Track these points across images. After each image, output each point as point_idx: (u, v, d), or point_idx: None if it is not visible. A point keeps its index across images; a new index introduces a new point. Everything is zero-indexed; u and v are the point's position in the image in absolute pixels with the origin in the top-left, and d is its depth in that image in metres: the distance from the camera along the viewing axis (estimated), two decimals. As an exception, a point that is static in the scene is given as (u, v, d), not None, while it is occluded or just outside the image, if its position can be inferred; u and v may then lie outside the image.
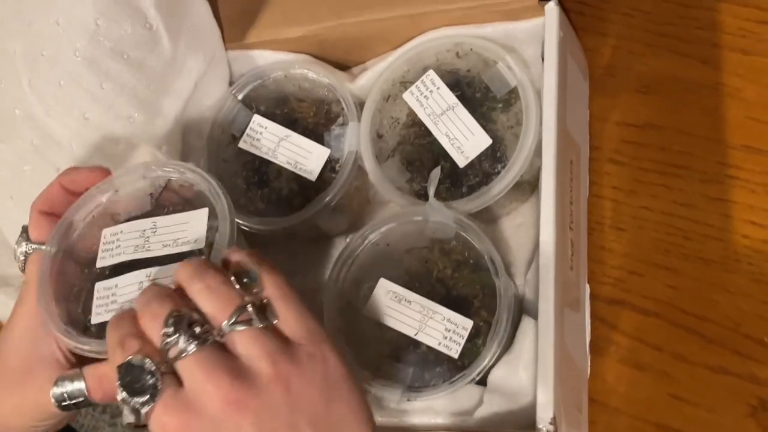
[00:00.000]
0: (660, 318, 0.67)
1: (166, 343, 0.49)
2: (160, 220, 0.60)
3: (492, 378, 0.63)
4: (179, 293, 0.52)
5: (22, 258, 0.62)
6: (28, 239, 0.62)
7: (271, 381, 0.49)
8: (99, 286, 0.58)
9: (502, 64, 0.67)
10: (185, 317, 0.50)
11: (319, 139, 0.72)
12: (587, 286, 0.69)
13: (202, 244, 0.58)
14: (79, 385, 0.55)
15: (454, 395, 0.62)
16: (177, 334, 0.49)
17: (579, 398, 0.66)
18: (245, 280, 0.52)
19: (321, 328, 0.53)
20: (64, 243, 0.61)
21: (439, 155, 0.68)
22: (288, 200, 0.72)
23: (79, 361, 0.57)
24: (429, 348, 0.64)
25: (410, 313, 0.65)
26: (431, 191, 0.65)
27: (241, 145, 0.73)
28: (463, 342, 0.63)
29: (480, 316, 0.64)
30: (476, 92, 0.68)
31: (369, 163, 0.69)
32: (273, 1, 0.76)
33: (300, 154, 0.72)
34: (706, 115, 0.70)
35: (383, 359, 0.65)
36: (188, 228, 0.59)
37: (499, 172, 0.66)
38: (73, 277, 0.61)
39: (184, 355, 0.49)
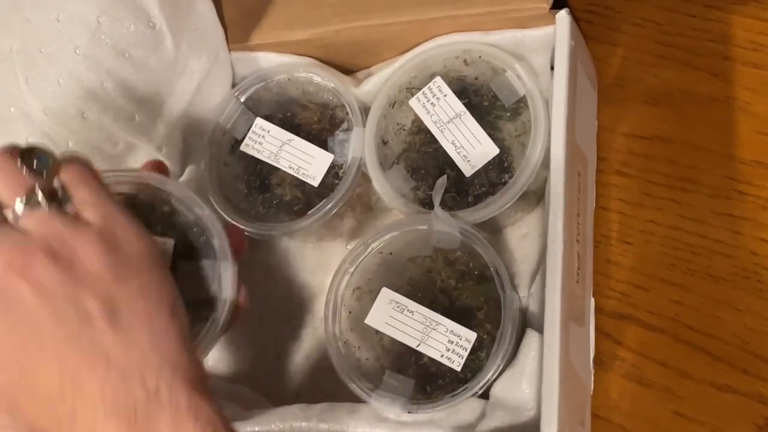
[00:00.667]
0: (665, 334, 0.66)
1: None
2: None
3: (495, 391, 0.62)
4: None
5: None
6: None
7: (56, 255, 0.49)
8: None
9: (510, 73, 0.66)
10: None
11: (323, 144, 0.71)
12: (592, 300, 0.68)
13: None
14: None
15: (455, 408, 0.61)
16: None
17: (582, 414, 0.65)
18: (36, 162, 0.52)
19: (120, 212, 0.52)
20: None
21: (445, 163, 0.67)
22: (289, 206, 0.71)
23: None
24: (431, 360, 0.63)
25: (413, 323, 0.63)
26: (437, 200, 0.63)
27: (243, 148, 0.72)
28: (466, 354, 0.62)
29: (483, 328, 0.63)
30: (484, 100, 0.67)
31: (373, 170, 0.68)
32: (278, 3, 0.75)
33: (303, 159, 0.71)
34: (715, 129, 0.69)
35: (384, 370, 0.63)
36: None
37: (505, 182, 0.65)
38: None
39: None
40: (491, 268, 0.63)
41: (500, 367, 0.61)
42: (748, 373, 0.63)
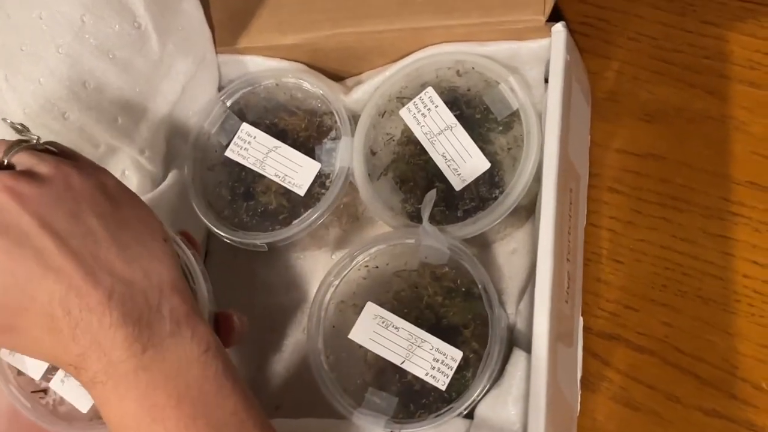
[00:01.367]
0: (654, 356, 0.65)
1: None
2: None
3: (480, 411, 0.60)
4: None
5: None
6: None
7: (53, 176, 0.50)
8: None
9: (504, 86, 0.65)
10: None
11: (310, 152, 0.69)
12: (581, 319, 0.67)
13: None
14: None
15: (439, 428, 0.60)
16: None
17: (568, 436, 0.64)
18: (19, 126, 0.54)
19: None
20: None
21: (435, 176, 0.66)
22: (274, 214, 0.69)
23: None
24: (415, 378, 0.61)
25: (397, 340, 0.62)
26: (425, 215, 0.62)
27: (228, 153, 0.70)
28: (451, 373, 0.61)
29: (470, 347, 0.61)
30: (476, 113, 0.66)
31: (361, 181, 0.67)
32: (267, 6, 0.73)
33: (289, 167, 0.69)
34: (710, 148, 0.68)
35: (367, 387, 0.62)
36: None
37: (496, 198, 0.64)
38: None
39: None
40: (479, 286, 0.61)
41: (486, 388, 0.60)
42: (737, 399, 0.62)
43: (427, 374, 0.61)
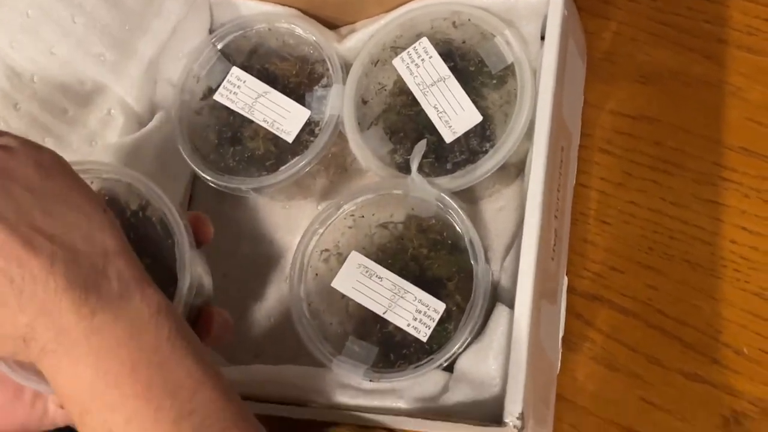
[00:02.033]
0: (638, 318, 0.64)
1: None
2: None
3: (460, 365, 0.60)
4: None
5: None
6: None
7: None
8: None
9: (500, 39, 0.64)
10: None
11: (300, 99, 0.68)
12: (565, 279, 0.66)
13: None
14: None
15: (418, 380, 0.59)
16: None
17: (547, 393, 0.63)
18: None
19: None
20: None
21: (425, 128, 0.65)
22: (261, 160, 0.68)
23: None
24: (397, 328, 0.60)
25: (380, 290, 0.61)
26: (414, 165, 0.61)
27: (217, 97, 0.69)
28: (433, 325, 0.60)
29: (453, 299, 0.61)
30: (470, 65, 0.65)
31: (350, 130, 0.66)
32: (263, -51, 0.72)
33: (278, 113, 0.68)
34: (705, 113, 0.67)
35: (348, 335, 0.61)
36: None
37: (486, 151, 0.63)
38: None
39: None
40: (465, 239, 0.61)
41: (467, 341, 0.59)
42: (719, 364, 0.62)
43: (408, 325, 0.60)
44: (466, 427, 0.58)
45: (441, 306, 0.60)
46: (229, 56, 0.71)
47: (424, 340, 0.60)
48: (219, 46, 0.71)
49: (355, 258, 0.62)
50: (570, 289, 0.66)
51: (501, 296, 0.63)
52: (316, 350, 0.61)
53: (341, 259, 0.63)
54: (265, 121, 0.68)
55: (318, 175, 0.71)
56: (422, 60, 0.65)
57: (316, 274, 0.64)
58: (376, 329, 0.61)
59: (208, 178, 0.68)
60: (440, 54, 0.65)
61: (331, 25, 0.73)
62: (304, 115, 0.68)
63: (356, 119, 0.66)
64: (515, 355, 0.57)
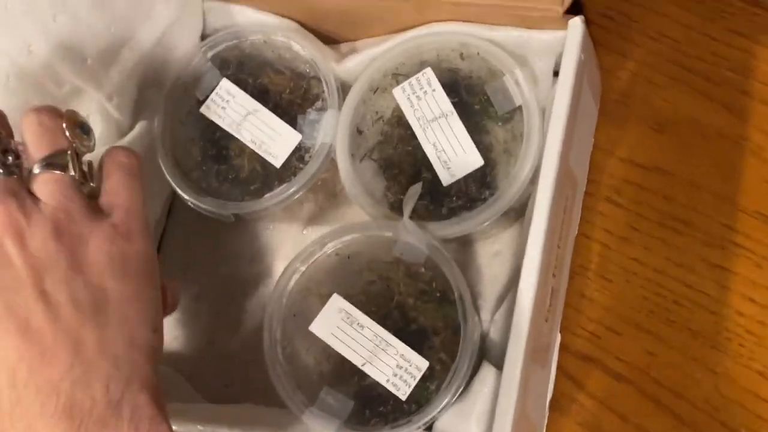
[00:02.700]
0: (631, 385, 0.60)
1: None
2: None
3: (439, 425, 0.56)
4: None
5: None
6: None
7: (61, 232, 0.46)
8: None
9: (509, 78, 0.60)
10: (1, 143, 0.48)
11: (292, 120, 0.64)
12: (558, 336, 0.62)
13: None
14: None
15: (394, 440, 0.56)
16: None
17: (529, 459, 0.60)
18: (78, 130, 0.51)
19: (143, 212, 0.50)
20: None
21: (422, 165, 0.61)
22: (246, 183, 0.64)
23: None
24: (375, 382, 0.57)
25: (361, 339, 0.57)
26: (407, 211, 0.57)
27: (203, 110, 0.65)
28: (414, 383, 0.56)
29: (437, 356, 0.57)
30: (475, 103, 0.60)
31: (343, 161, 0.62)
32: (264, -47, 0.67)
33: (267, 134, 0.64)
34: (721, 170, 0.62)
35: (323, 385, 0.58)
36: None
37: (485, 199, 0.59)
38: None
39: None
40: (455, 293, 0.57)
41: (450, 403, 0.55)
42: (713, 444, 0.58)
43: (388, 380, 0.57)
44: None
45: (424, 364, 0.56)
46: (221, 66, 0.66)
47: (404, 398, 0.56)
48: (210, 55, 0.66)
49: (337, 302, 0.58)
50: (563, 347, 0.62)
51: (489, 350, 0.59)
52: (289, 399, 0.57)
53: (323, 300, 0.59)
54: (252, 141, 0.64)
55: (306, 201, 0.66)
56: (424, 92, 0.61)
57: (294, 315, 0.60)
58: (353, 381, 0.58)
59: (188, 198, 0.64)
60: (445, 86, 0.61)
61: (331, 40, 0.68)
62: (295, 139, 0.63)
63: (349, 150, 0.62)
64: (499, 425, 0.53)
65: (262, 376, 0.60)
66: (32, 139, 0.50)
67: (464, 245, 0.64)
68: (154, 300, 0.49)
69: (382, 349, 0.57)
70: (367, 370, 0.57)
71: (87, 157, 0.52)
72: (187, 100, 0.66)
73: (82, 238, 0.47)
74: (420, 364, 0.57)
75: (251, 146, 0.64)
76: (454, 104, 0.60)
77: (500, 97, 0.60)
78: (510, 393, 0.53)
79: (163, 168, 0.65)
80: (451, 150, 0.60)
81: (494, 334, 0.60)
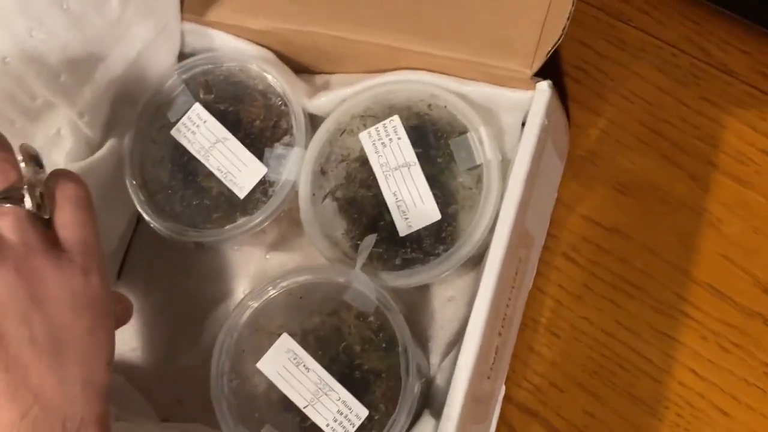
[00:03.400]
0: (569, 444, 0.62)
1: None
2: None
3: (373, 473, 0.58)
4: None
5: None
6: None
7: (20, 268, 0.46)
8: None
9: (473, 135, 0.60)
10: None
11: (259, 152, 0.64)
12: (503, 387, 0.63)
13: None
14: None
15: (326, 486, 0.57)
16: None
17: None
18: (32, 163, 0.51)
19: (98, 245, 0.50)
20: None
21: (382, 210, 0.61)
22: (209, 211, 0.65)
23: None
24: (315, 426, 0.58)
25: (305, 381, 0.58)
26: (359, 263, 0.58)
27: (174, 133, 0.65)
28: (353, 430, 0.57)
29: (378, 407, 0.58)
30: (439, 156, 0.61)
31: (304, 202, 0.62)
32: (244, -18, 0.67)
33: (234, 164, 0.64)
34: (678, 239, 0.63)
35: (264, 423, 0.59)
36: None
37: (439, 255, 0.59)
38: None
39: None
40: (400, 347, 0.58)
41: (386, 455, 0.57)
42: None
43: (328, 425, 0.58)
44: None
45: (364, 412, 0.58)
46: (194, 90, 0.66)
47: (341, 445, 0.57)
48: (184, 77, 0.67)
49: (285, 342, 0.59)
50: (506, 398, 0.64)
51: (434, 396, 0.60)
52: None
53: (272, 339, 0.60)
54: (219, 170, 0.64)
55: (269, 228, 0.67)
56: (390, 140, 0.61)
57: (243, 351, 0.61)
58: (294, 422, 0.59)
59: (151, 221, 0.65)
60: (410, 133, 0.61)
61: (307, 70, 0.68)
62: (261, 172, 0.64)
63: (311, 190, 0.62)
64: (430, 481, 0.54)
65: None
66: None
67: (419, 288, 0.64)
68: (108, 333, 0.49)
69: (325, 394, 0.58)
70: (309, 412, 0.58)
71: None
72: (159, 120, 0.67)
73: (41, 272, 0.47)
74: (360, 412, 0.58)
75: (217, 174, 0.64)
76: (418, 155, 0.61)
77: (463, 154, 0.60)
78: (444, 449, 0.54)
79: (129, 188, 0.65)
80: (410, 200, 0.60)
81: (440, 380, 0.61)
